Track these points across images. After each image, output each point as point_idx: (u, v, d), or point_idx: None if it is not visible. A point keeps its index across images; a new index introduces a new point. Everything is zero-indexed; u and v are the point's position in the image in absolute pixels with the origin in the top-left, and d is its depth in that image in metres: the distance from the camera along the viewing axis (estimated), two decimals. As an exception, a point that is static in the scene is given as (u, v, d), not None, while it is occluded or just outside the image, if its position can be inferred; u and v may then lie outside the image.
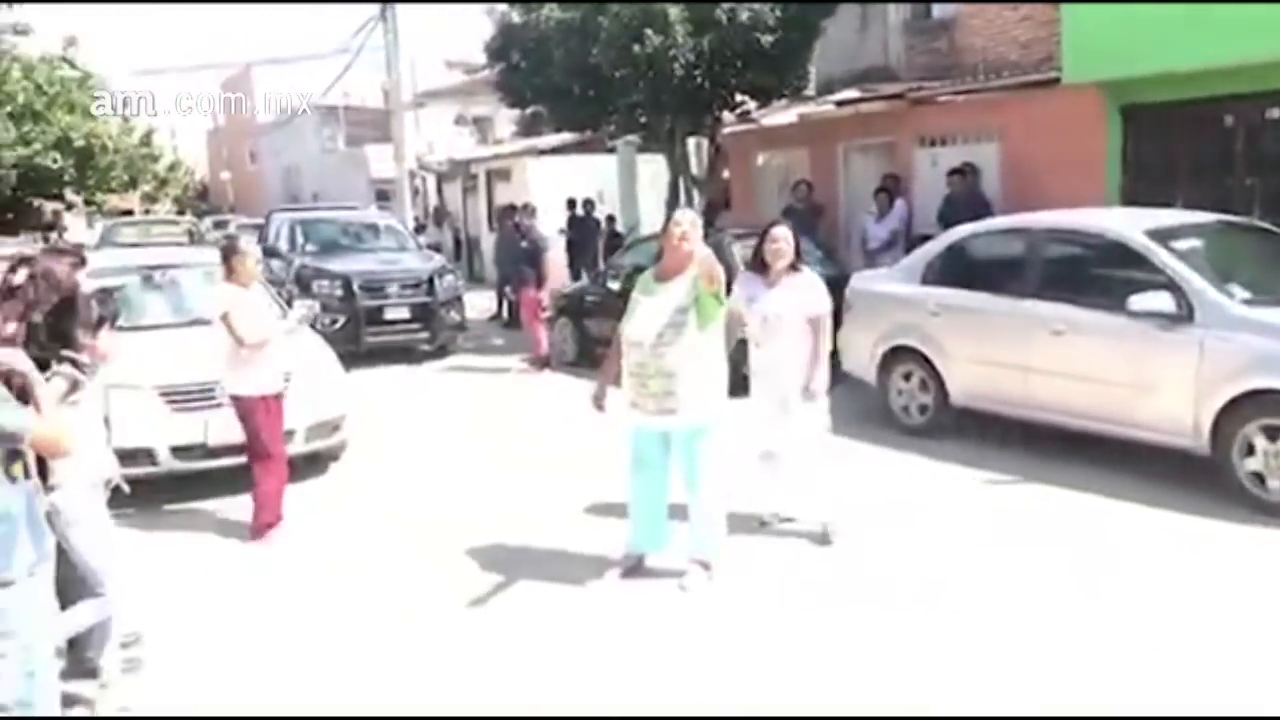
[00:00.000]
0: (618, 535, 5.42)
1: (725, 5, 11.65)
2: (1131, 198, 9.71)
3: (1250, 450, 5.85)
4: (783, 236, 5.63)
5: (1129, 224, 6.92)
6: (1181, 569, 5.11)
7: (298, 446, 6.81)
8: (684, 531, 5.24)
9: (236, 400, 5.97)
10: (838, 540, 5.57)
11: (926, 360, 7.74)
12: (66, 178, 23.54)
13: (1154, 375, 6.31)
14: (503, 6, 13.67)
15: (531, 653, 4.43)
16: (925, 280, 7.90)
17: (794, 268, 5.64)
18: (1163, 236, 6.62)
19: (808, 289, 5.62)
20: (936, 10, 14.80)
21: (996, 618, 4.60)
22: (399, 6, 18.73)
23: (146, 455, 6.43)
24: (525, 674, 4.24)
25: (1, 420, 2.93)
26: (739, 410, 5.43)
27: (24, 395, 3.08)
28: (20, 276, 4.36)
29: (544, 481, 6.99)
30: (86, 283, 4.23)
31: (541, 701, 4.00)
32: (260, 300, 6.33)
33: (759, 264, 5.71)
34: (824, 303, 5.63)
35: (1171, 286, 6.26)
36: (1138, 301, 6.29)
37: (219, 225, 27.51)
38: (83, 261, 4.30)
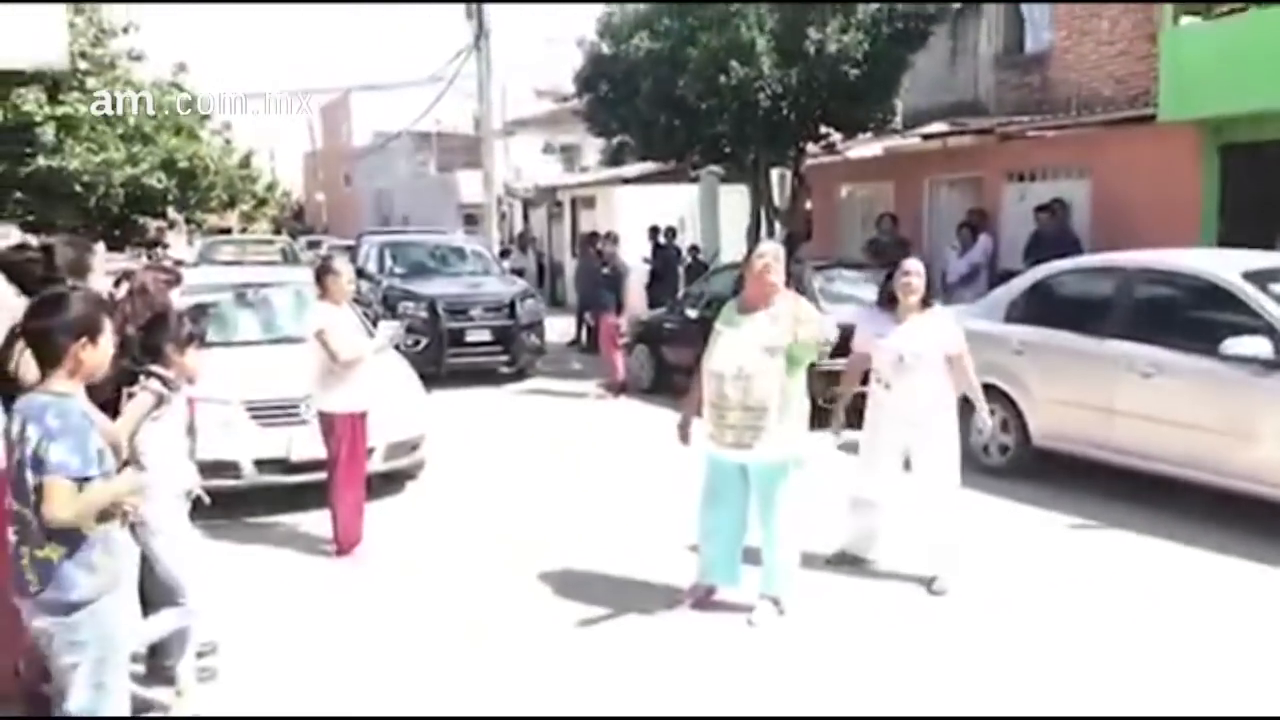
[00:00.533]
0: (692, 564, 5.40)
1: (814, 37, 11.65)
2: (1228, 239, 9.41)
3: (1350, 505, 5.60)
4: (915, 270, 5.37)
5: (1225, 265, 6.71)
6: (1265, 625, 4.90)
7: (376, 465, 6.93)
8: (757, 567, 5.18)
9: (324, 417, 6.06)
10: (948, 594, 5.28)
11: (1008, 399, 7.58)
12: (170, 197, 24.52)
13: (1249, 422, 6.08)
14: (593, 37, 13.88)
15: (590, 677, 4.43)
16: (1009, 317, 7.76)
17: (925, 303, 5.41)
18: (1261, 279, 6.41)
19: (944, 325, 5.44)
20: (1029, 44, 14.60)
21: (1065, 672, 4.46)
22: (492, 36, 19.12)
23: (231, 468, 6.61)
24: (579, 698, 4.24)
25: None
26: (818, 444, 5.36)
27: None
28: (121, 291, 4.57)
29: (617, 506, 7.01)
30: (181, 299, 4.43)
31: (603, 730, 4.00)
32: (352, 319, 6.44)
33: (887, 299, 5.50)
34: (962, 339, 5.45)
35: (1270, 331, 6.05)
36: (1233, 345, 6.08)
37: (312, 245, 28.28)
38: (178, 279, 4.50)
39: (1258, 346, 6.03)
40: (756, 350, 4.79)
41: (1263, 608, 5.13)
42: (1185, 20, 10.06)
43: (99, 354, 3.08)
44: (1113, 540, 6.19)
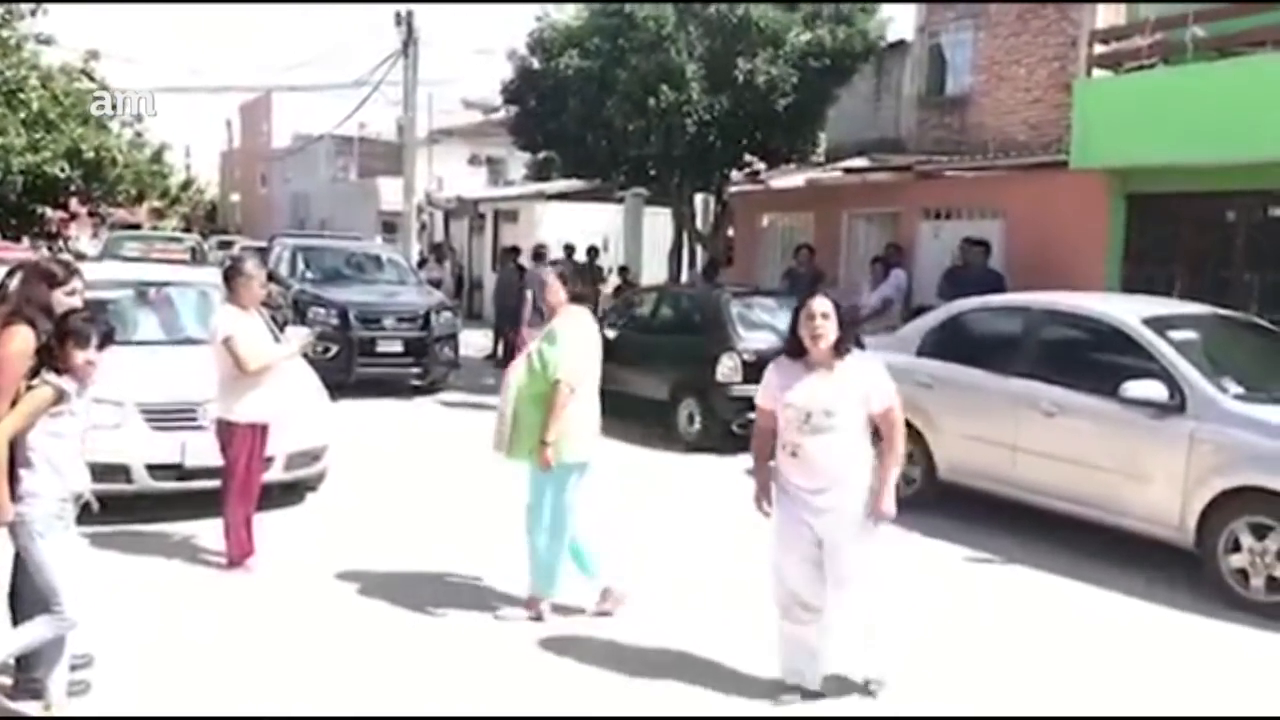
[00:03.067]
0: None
1: (743, 67, 11.77)
2: (1131, 284, 9.76)
3: (1236, 547, 5.78)
4: (822, 311, 4.28)
5: (1127, 310, 6.92)
6: (1150, 662, 5.04)
7: (277, 474, 6.71)
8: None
9: (224, 425, 5.80)
10: (883, 694, 4.43)
11: (916, 432, 7.68)
12: (73, 188, 23.62)
13: (1142, 464, 6.26)
14: (523, 51, 13.83)
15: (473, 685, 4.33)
16: (921, 351, 7.88)
17: (841, 348, 4.35)
18: (1160, 325, 6.62)
19: (866, 375, 4.36)
20: (950, 86, 14.99)
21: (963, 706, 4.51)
22: (421, 44, 18.94)
23: (121, 472, 6.34)
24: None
25: None
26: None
27: None
28: (13, 283, 4.33)
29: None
30: (77, 299, 4.22)
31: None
32: (260, 325, 6.14)
33: (795, 345, 4.39)
34: (890, 389, 4.36)
35: (1165, 376, 6.23)
36: (1131, 389, 6.26)
37: (224, 246, 27.59)
38: (69, 278, 4.27)
39: (1154, 390, 6.20)
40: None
41: (1139, 644, 5.28)
42: (1098, 73, 10.41)
43: None
44: (1007, 574, 6.32)
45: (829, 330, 4.26)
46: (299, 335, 6.33)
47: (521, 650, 4.87)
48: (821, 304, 4.30)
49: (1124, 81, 9.97)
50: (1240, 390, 6.17)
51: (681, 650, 4.87)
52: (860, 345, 8.72)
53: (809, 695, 4.41)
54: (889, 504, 4.29)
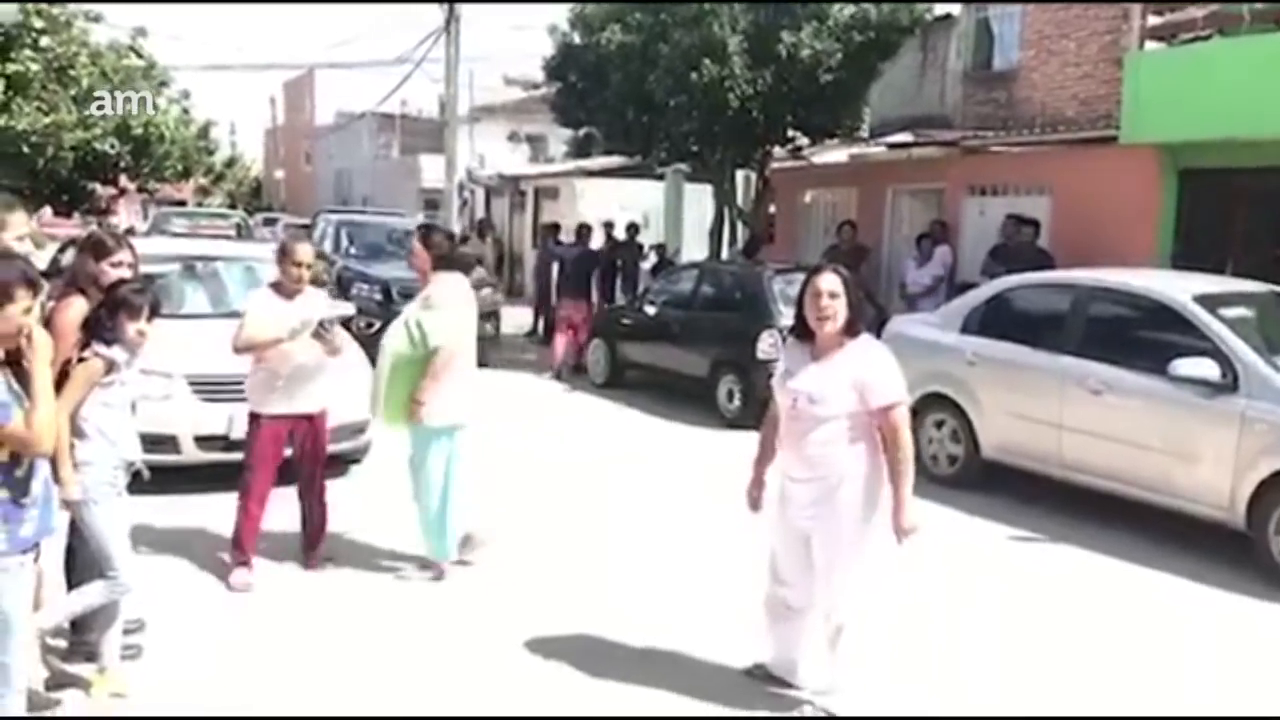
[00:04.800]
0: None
1: (787, 40, 11.64)
2: (1183, 261, 9.55)
3: (1288, 530, 5.69)
4: (829, 289, 3.86)
5: (1178, 287, 6.79)
6: (1197, 643, 4.98)
7: (320, 444, 6.78)
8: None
9: (251, 419, 5.41)
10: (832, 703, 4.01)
11: (960, 410, 7.62)
12: (122, 164, 24.00)
13: (1192, 443, 6.16)
14: (564, 27, 13.77)
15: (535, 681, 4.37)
16: (966, 329, 7.79)
17: (850, 332, 3.94)
18: (1211, 303, 6.49)
19: (866, 366, 3.88)
20: (997, 61, 14.74)
21: (1006, 688, 4.48)
22: (463, 21, 18.91)
23: (170, 443, 6.45)
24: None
25: None
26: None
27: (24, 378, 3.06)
28: (66, 258, 4.40)
29: (565, 491, 6.94)
30: (125, 270, 4.28)
31: None
32: (290, 310, 5.39)
33: (801, 326, 4.02)
34: (892, 386, 3.87)
35: (1217, 354, 6.12)
36: (1181, 366, 6.15)
37: (269, 223, 27.85)
38: (119, 250, 4.33)
39: (1204, 369, 6.10)
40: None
41: (1185, 624, 5.21)
42: (1150, 45, 10.19)
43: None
44: (1053, 554, 6.25)
45: (838, 310, 3.84)
46: (307, 312, 5.44)
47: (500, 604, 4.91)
48: (830, 281, 3.87)
49: (1177, 54, 9.76)
50: (1295, 368, 6.05)
51: (676, 626, 4.88)
52: (882, 322, 8.68)
53: (778, 682, 4.26)
54: (908, 519, 3.82)
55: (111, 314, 3.92)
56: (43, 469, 3.20)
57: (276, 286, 5.52)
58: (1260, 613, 5.39)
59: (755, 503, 4.27)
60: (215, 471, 6.68)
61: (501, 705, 4.06)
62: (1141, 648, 4.89)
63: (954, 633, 4.96)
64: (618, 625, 4.84)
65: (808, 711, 4.01)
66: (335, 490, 6.93)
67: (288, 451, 5.54)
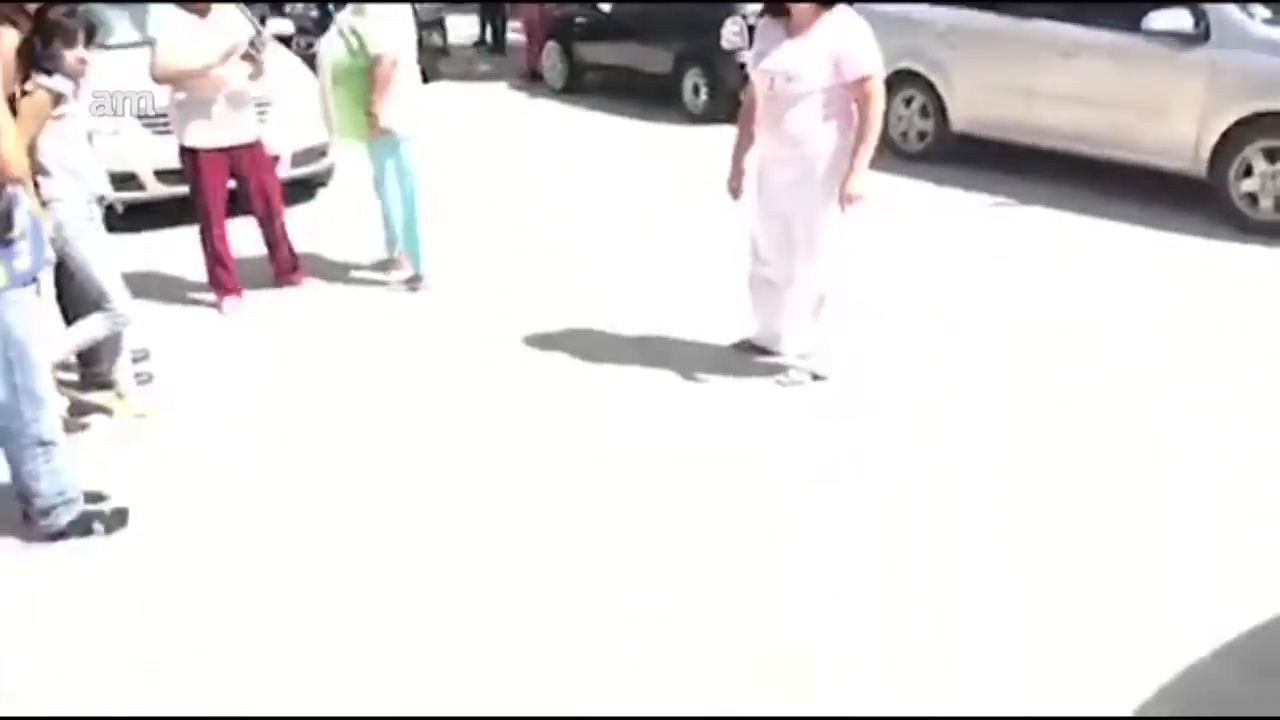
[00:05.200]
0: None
1: None
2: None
3: (1248, 172, 5.87)
4: None
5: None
6: (1164, 282, 5.29)
7: (285, 171, 6.65)
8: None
9: (186, 153, 5.07)
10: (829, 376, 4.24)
11: (930, 85, 7.53)
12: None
13: (1161, 97, 6.21)
14: None
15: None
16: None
17: (825, 1, 3.86)
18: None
19: (841, 39, 3.84)
20: None
21: (1003, 341, 4.73)
22: None
23: (133, 180, 6.30)
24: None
25: None
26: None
27: None
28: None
29: (536, 200, 6.95)
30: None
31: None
32: (210, 31, 4.97)
33: (775, 1, 3.94)
34: (866, 58, 3.86)
35: (1190, 3, 6.03)
36: (1156, 19, 6.10)
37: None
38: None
39: (1179, 20, 6.05)
40: None
41: (1158, 265, 5.56)
42: None
43: None
44: (1029, 215, 6.50)
45: None
46: (234, 32, 5.06)
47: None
48: None
49: None
50: (1268, 15, 6.00)
51: (664, 313, 5.02)
52: None
53: (763, 352, 4.47)
54: (857, 185, 3.88)
55: (46, 42, 3.70)
56: (23, 202, 3.15)
57: (186, 3, 5.01)
58: (1221, 250, 5.76)
59: (735, 192, 4.32)
60: (183, 206, 6.60)
61: (505, 399, 4.25)
62: (1109, 289, 5.14)
63: (937, 302, 5.18)
64: (608, 316, 4.99)
65: (793, 375, 4.28)
66: (303, 215, 6.91)
67: (231, 184, 5.27)
